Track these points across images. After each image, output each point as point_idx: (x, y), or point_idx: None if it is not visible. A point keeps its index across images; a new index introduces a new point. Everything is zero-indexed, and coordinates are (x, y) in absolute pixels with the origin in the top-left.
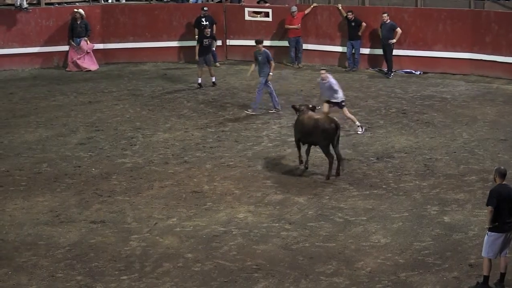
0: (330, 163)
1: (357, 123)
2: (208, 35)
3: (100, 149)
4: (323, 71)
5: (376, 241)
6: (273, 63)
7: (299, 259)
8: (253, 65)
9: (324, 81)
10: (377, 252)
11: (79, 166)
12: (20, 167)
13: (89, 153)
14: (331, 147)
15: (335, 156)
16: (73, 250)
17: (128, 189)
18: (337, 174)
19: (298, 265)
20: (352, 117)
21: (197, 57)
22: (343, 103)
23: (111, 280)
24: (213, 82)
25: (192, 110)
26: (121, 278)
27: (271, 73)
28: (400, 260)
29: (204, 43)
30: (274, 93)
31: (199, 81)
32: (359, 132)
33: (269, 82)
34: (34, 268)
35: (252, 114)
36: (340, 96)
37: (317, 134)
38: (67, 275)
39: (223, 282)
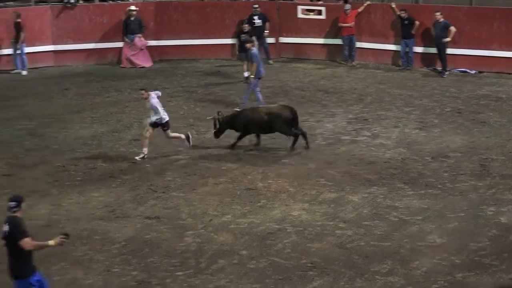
0: (295, 139)
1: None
2: (246, 30)
3: (154, 145)
4: (142, 92)
5: (432, 241)
6: (255, 65)
7: (354, 257)
8: (255, 65)
9: (146, 100)
10: (432, 252)
11: (134, 162)
12: (76, 163)
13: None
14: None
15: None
16: (129, 245)
17: (182, 185)
18: (307, 147)
19: (353, 264)
20: (176, 135)
21: (237, 53)
22: (165, 127)
23: (166, 276)
24: (246, 77)
25: (246, 107)
26: (176, 274)
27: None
28: (456, 261)
29: (242, 38)
30: (248, 94)
31: (246, 75)
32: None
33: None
34: (90, 262)
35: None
36: (162, 117)
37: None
38: (122, 270)
39: (277, 279)
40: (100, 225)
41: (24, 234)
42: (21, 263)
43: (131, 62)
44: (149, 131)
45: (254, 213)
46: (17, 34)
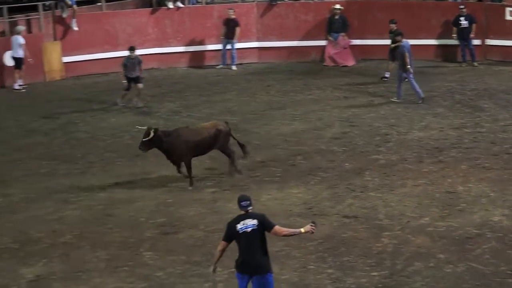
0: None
1: None
2: (393, 30)
3: (354, 144)
4: None
5: None
6: (406, 55)
7: None
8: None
9: None
10: None
11: (333, 160)
12: (275, 159)
13: (342, 148)
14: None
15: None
16: (325, 243)
17: (380, 185)
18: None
19: None
20: None
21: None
22: None
23: (362, 275)
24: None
25: (448, 109)
26: (371, 274)
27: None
28: None
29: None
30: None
31: (386, 74)
32: None
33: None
34: (286, 258)
35: (397, 102)
36: None
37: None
38: (318, 268)
39: (475, 285)
40: (298, 222)
41: (273, 223)
42: (268, 256)
43: (334, 60)
44: None
45: (453, 217)
46: (229, 30)
